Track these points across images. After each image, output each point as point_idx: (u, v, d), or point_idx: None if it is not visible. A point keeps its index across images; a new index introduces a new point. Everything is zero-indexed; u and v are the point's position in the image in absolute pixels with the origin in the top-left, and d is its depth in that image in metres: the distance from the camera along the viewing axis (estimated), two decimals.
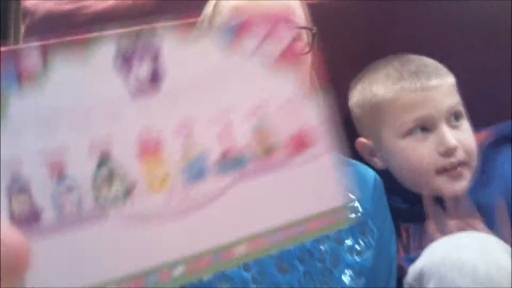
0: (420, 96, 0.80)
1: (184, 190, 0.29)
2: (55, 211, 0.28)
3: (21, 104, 0.27)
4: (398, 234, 0.81)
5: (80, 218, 0.28)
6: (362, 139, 0.86)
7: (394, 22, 0.94)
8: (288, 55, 0.32)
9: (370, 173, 0.80)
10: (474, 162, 0.81)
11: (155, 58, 0.29)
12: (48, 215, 0.28)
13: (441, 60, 0.86)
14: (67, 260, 0.27)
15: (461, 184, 0.79)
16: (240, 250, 0.30)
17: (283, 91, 0.32)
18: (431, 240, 0.72)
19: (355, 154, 0.86)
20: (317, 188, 0.32)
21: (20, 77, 0.27)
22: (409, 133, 0.80)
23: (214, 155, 0.30)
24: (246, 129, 0.31)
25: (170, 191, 0.29)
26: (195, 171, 0.29)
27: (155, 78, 0.29)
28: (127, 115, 0.29)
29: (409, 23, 0.95)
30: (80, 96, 0.28)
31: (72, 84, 0.28)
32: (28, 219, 0.27)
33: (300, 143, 0.32)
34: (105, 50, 0.28)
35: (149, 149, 0.29)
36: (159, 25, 0.29)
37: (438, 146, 0.78)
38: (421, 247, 0.74)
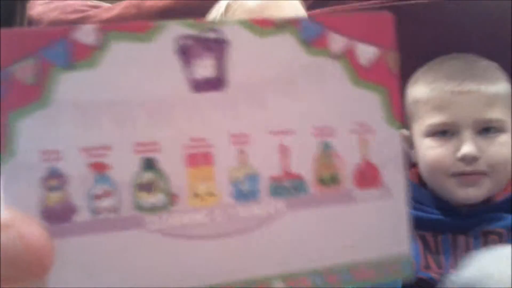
0: (450, 99, 0.78)
1: (231, 209, 0.26)
2: (90, 212, 0.25)
3: (69, 87, 0.25)
4: (425, 242, 0.79)
5: (115, 223, 0.25)
6: (404, 131, 0.85)
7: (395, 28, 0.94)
8: (379, 70, 0.28)
9: None
10: (500, 175, 0.78)
11: (221, 55, 0.26)
12: (82, 215, 0.25)
13: None
14: (95, 265, 0.24)
15: (474, 191, 0.77)
16: (279, 286, 0.26)
17: (361, 112, 0.28)
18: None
19: None
20: (384, 231, 0.28)
21: (73, 56, 0.25)
22: (433, 133, 0.80)
23: (269, 175, 0.27)
24: (310, 151, 0.27)
25: (215, 208, 0.26)
26: (246, 191, 0.26)
27: (218, 78, 0.26)
28: (181, 117, 0.26)
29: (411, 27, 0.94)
30: (134, 87, 0.25)
31: (127, 73, 0.25)
32: (60, 217, 0.24)
33: (371, 177, 0.28)
34: (168, 39, 0.25)
35: (198, 159, 0.26)
36: (232, 20, 0.27)
37: (456, 151, 0.77)
38: (455, 261, 0.72)
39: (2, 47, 0.24)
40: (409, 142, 0.85)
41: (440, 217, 0.80)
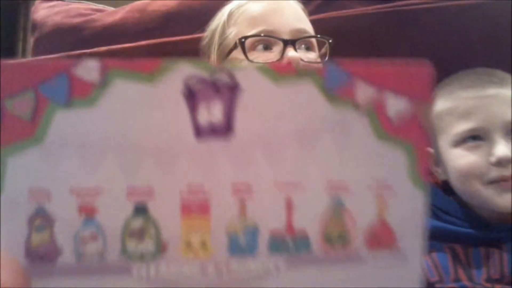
0: (475, 104, 0.77)
1: (226, 264, 0.25)
2: (75, 255, 0.24)
3: (64, 125, 0.23)
4: (454, 254, 0.78)
5: (100, 268, 0.24)
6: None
7: (397, 33, 0.94)
8: (408, 125, 0.25)
9: None
10: None
11: (232, 101, 0.24)
12: (67, 257, 0.24)
13: (440, 67, 0.84)
14: None
15: (509, 198, 0.76)
16: None
17: (383, 168, 0.26)
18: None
19: None
20: None
21: (72, 93, 0.23)
22: (462, 142, 0.77)
23: (270, 229, 0.25)
24: (319, 206, 0.25)
25: (209, 261, 0.25)
26: (244, 245, 0.25)
27: (225, 124, 0.24)
28: (180, 163, 0.25)
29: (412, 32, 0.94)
30: (134, 129, 0.24)
31: (128, 114, 0.24)
32: (44, 257, 0.23)
33: (386, 239, 0.26)
34: (175, 80, 0.24)
35: (194, 207, 0.25)
36: (249, 65, 0.25)
37: (490, 156, 0.75)
38: (488, 275, 0.71)
39: (1, 80, 0.23)
40: (433, 159, 0.84)
41: (471, 230, 0.78)
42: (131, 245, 0.24)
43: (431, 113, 0.25)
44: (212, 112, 0.24)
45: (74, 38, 1.06)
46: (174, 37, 0.97)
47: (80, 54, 1.03)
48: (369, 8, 0.93)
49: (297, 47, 0.68)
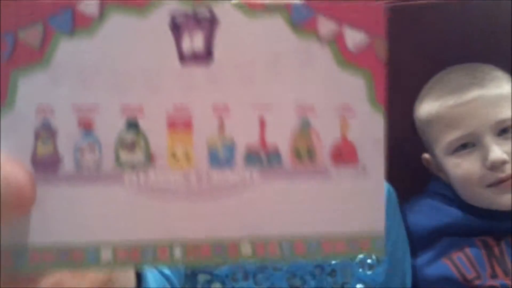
0: (459, 112, 0.78)
1: (206, 174, 0.28)
2: (75, 164, 0.27)
3: (67, 52, 0.28)
4: (487, 247, 0.78)
5: (96, 176, 0.27)
6: (426, 155, 0.85)
7: (395, 31, 0.94)
8: (366, 55, 0.29)
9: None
10: None
11: (211, 31, 0.28)
12: (67, 166, 0.27)
13: (439, 65, 0.85)
14: (74, 213, 0.27)
15: (510, 198, 0.76)
16: (246, 249, 0.28)
17: (345, 93, 0.29)
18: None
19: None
20: (358, 208, 0.29)
21: (74, 24, 0.28)
22: (455, 150, 0.79)
23: (245, 146, 0.29)
24: (288, 125, 0.29)
25: (191, 171, 0.28)
26: (222, 158, 0.28)
27: (206, 52, 0.28)
28: (167, 86, 0.28)
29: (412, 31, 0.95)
30: (127, 56, 0.28)
31: (122, 43, 0.28)
32: (48, 165, 0.27)
33: (348, 155, 0.29)
34: (163, 14, 0.28)
35: (179, 124, 0.28)
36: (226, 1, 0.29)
37: (484, 161, 0.76)
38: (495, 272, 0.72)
39: (14, 13, 0.27)
40: (433, 164, 0.84)
41: (498, 223, 0.79)
42: (124, 155, 0.28)
43: (386, 45, 0.29)
44: (194, 41, 0.28)
45: None
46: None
47: None
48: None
49: None
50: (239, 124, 0.29)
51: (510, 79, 0.80)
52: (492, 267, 0.78)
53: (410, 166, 0.92)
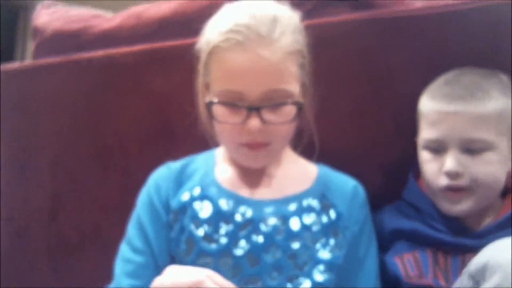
0: (439, 118, 0.82)
1: None
2: None
3: None
4: (435, 258, 0.84)
5: None
6: (416, 139, 0.90)
7: (390, 40, 0.95)
8: None
9: (351, 183, 0.86)
10: (485, 192, 0.82)
11: None
12: None
13: (435, 74, 0.88)
14: None
15: (458, 207, 0.82)
16: None
17: None
18: None
19: None
20: None
21: None
22: (427, 147, 0.84)
23: None
24: None
25: None
26: None
27: None
28: None
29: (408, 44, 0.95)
30: None
31: None
32: None
33: None
34: None
35: None
36: None
37: (442, 167, 0.81)
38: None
39: None
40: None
41: (451, 238, 0.83)
42: None
43: None
44: None
45: (74, 43, 1.10)
46: (168, 42, 1.02)
47: (78, 58, 1.07)
48: (358, 14, 0.95)
49: (265, 110, 0.72)
50: None
51: (510, 93, 0.82)
52: (435, 273, 0.83)
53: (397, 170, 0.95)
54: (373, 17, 0.96)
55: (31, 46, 1.20)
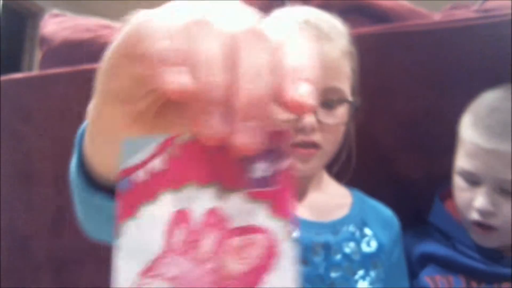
0: (476, 153, 0.79)
1: None
2: None
3: None
4: (468, 285, 0.82)
5: None
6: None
7: (400, 54, 0.94)
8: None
9: (387, 212, 0.85)
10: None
11: None
12: None
13: (440, 95, 0.86)
14: None
15: (488, 243, 0.81)
16: None
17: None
18: None
19: None
20: None
21: None
22: (461, 175, 0.82)
23: None
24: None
25: None
26: None
27: None
28: None
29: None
30: None
31: None
32: None
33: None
34: None
35: None
36: None
37: (473, 200, 0.79)
38: None
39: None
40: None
41: (486, 267, 0.81)
42: None
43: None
44: None
45: (82, 52, 1.09)
46: None
47: (87, 69, 1.06)
48: (372, 28, 0.95)
49: (320, 110, 0.71)
50: None
51: None
52: None
53: (413, 189, 0.93)
54: (388, 30, 0.95)
55: (38, 55, 1.19)
